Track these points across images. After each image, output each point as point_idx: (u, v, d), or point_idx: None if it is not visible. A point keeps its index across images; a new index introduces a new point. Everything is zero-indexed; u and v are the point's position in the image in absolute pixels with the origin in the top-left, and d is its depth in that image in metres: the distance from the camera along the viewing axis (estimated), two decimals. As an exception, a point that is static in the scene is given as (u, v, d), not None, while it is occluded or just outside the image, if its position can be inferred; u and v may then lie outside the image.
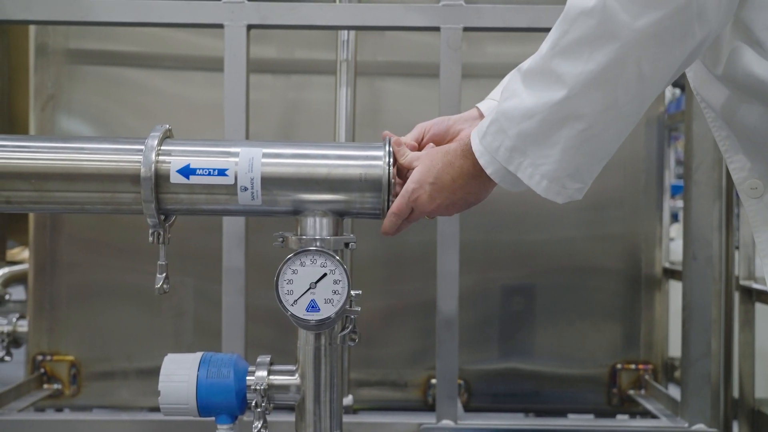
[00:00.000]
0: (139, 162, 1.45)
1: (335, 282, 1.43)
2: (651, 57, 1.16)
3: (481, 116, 1.58)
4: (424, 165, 1.41)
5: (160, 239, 1.51)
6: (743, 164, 1.35)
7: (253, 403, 1.50)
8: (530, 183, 1.26)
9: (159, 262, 1.51)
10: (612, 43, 1.15)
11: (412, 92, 2.56)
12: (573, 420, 2.60)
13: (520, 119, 1.24)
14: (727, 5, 1.15)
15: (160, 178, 1.46)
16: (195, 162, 1.46)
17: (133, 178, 1.46)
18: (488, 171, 1.31)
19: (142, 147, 1.47)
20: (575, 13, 1.18)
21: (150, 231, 1.49)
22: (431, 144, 1.54)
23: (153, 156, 1.44)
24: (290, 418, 1.62)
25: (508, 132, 1.26)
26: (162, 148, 1.48)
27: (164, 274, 1.52)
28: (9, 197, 1.47)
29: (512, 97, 1.26)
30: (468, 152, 1.34)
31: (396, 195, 1.46)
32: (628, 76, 1.17)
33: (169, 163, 1.46)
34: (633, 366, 2.62)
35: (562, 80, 1.19)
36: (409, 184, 1.41)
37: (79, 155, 1.48)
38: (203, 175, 1.46)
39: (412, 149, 1.52)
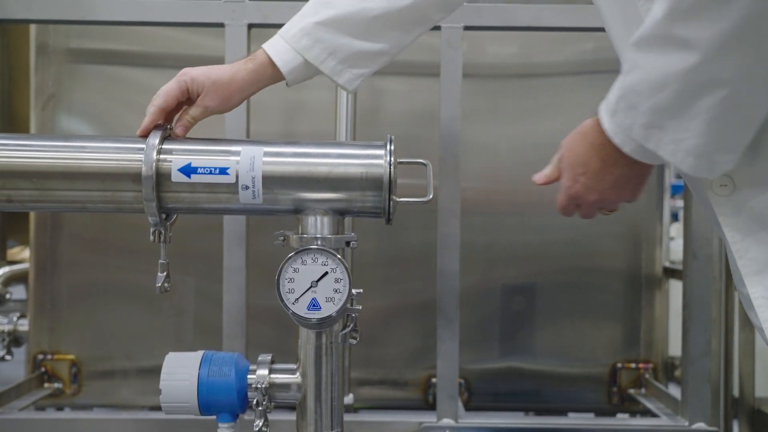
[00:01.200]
0: (140, 161, 1.45)
1: (336, 281, 1.43)
2: None
3: (264, 55, 1.54)
4: (569, 158, 1.29)
5: (161, 238, 1.51)
6: None
7: (255, 402, 1.50)
8: (674, 161, 1.14)
9: (160, 261, 1.51)
10: None
11: (412, 92, 2.56)
12: (573, 419, 2.60)
13: (650, 92, 1.12)
14: None
15: (161, 177, 1.46)
16: (196, 161, 1.47)
17: (134, 177, 1.46)
18: (626, 150, 1.19)
19: (143, 146, 1.47)
20: None
21: (151, 230, 1.50)
22: None
23: (154, 155, 1.45)
24: (291, 416, 1.62)
25: (640, 108, 1.14)
26: (163, 146, 1.48)
27: (165, 273, 1.52)
28: (10, 196, 1.48)
29: (633, 69, 1.14)
30: (599, 126, 1.22)
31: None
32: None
33: (171, 161, 1.47)
34: (633, 365, 2.63)
35: (691, 45, 1.06)
36: (564, 181, 1.31)
37: (80, 154, 1.48)
38: (204, 173, 1.46)
39: (183, 128, 1.51)
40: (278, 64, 1.54)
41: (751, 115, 1.12)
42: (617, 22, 1.32)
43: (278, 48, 1.55)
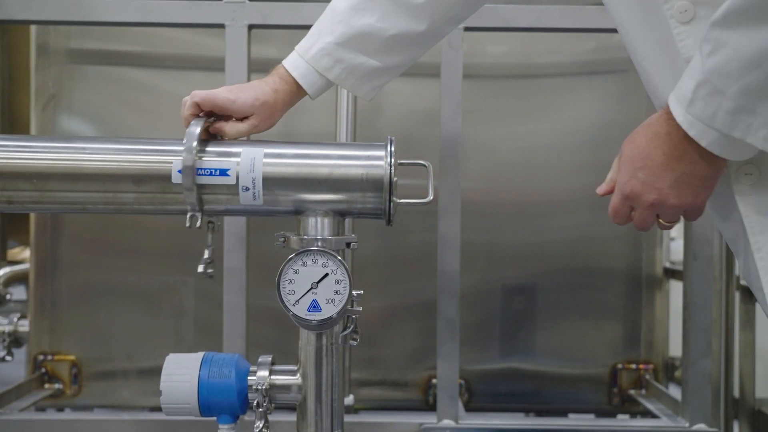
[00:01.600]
0: (141, 162, 1.46)
1: (337, 282, 1.43)
2: None
3: (289, 76, 1.58)
4: (627, 151, 1.19)
5: (211, 228, 1.53)
6: None
7: (255, 403, 1.50)
8: (766, 147, 1.06)
9: (207, 247, 1.53)
10: None
11: (413, 92, 2.56)
12: (574, 420, 2.60)
13: (741, 72, 1.03)
14: None
15: (160, 178, 1.46)
16: (197, 162, 1.47)
17: (134, 178, 1.46)
18: (703, 143, 1.09)
19: (144, 147, 1.48)
20: None
21: (188, 215, 1.48)
22: None
23: (195, 143, 1.44)
24: (291, 417, 1.62)
25: (727, 91, 1.05)
26: (163, 148, 1.48)
27: (209, 255, 1.52)
28: (10, 197, 1.48)
29: (718, 50, 1.05)
30: (670, 118, 1.12)
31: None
32: None
33: (171, 162, 1.46)
34: (633, 366, 2.63)
35: None
36: (620, 177, 1.21)
37: (81, 155, 1.48)
38: (205, 175, 1.46)
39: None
40: (304, 86, 1.59)
41: None
42: (635, 26, 1.28)
43: (302, 71, 1.59)
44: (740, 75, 1.04)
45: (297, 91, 1.60)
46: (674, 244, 3.44)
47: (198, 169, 1.46)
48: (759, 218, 1.17)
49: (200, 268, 1.52)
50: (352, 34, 1.58)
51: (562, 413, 2.67)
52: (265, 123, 1.58)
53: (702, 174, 1.14)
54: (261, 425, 1.50)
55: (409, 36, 1.60)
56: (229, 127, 1.55)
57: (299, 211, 1.50)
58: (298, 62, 1.60)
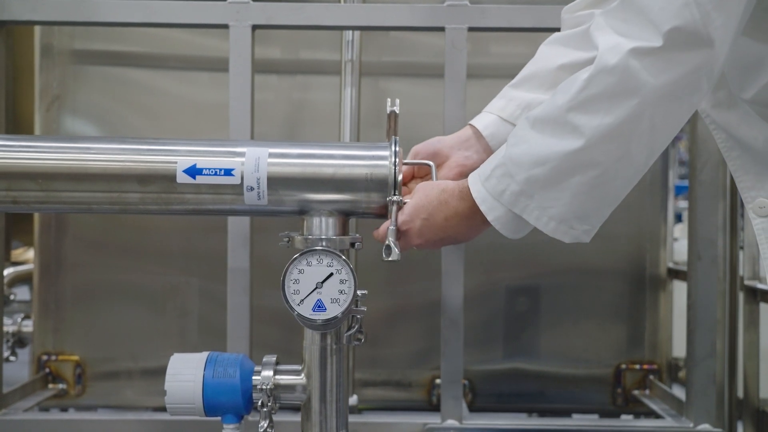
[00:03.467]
0: (145, 162, 1.46)
1: (341, 282, 1.43)
2: (664, 112, 1.24)
3: (477, 134, 1.59)
4: (419, 199, 1.43)
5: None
6: (753, 183, 1.38)
7: (260, 403, 1.50)
8: (537, 224, 1.32)
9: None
10: (631, 99, 1.21)
11: (417, 92, 2.56)
12: (577, 420, 2.60)
13: (530, 166, 1.29)
14: (725, 61, 1.23)
15: (165, 179, 1.46)
16: (201, 162, 1.47)
17: (139, 178, 1.47)
18: (489, 217, 1.36)
19: (149, 147, 1.48)
20: (597, 69, 1.23)
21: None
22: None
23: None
24: (296, 418, 1.62)
25: (516, 177, 1.30)
26: (168, 148, 1.49)
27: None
28: (16, 197, 1.48)
29: (521, 143, 1.31)
30: (466, 195, 1.37)
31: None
32: (643, 129, 1.23)
33: (176, 162, 1.47)
34: (637, 366, 2.62)
35: (579, 131, 1.24)
36: (401, 215, 1.43)
37: (86, 155, 1.48)
38: (209, 175, 1.46)
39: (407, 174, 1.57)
40: (478, 127, 1.61)
41: (610, 194, 1.31)
42: None
43: (480, 117, 1.63)
44: (529, 168, 1.29)
45: (481, 143, 1.60)
46: (678, 244, 3.44)
47: (202, 168, 1.46)
48: None
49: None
50: (525, 74, 1.62)
51: (566, 413, 2.66)
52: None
53: (458, 240, 1.46)
54: (266, 425, 1.50)
55: (575, 64, 1.59)
56: None
57: (304, 211, 1.50)
58: (481, 116, 1.63)
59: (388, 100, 1.59)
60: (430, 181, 1.48)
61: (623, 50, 1.20)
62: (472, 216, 1.38)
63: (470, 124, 1.62)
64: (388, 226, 1.44)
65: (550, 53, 1.61)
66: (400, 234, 1.44)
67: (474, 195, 1.36)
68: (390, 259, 1.42)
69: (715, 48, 1.19)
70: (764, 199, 1.37)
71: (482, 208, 1.35)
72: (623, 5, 1.23)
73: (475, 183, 1.37)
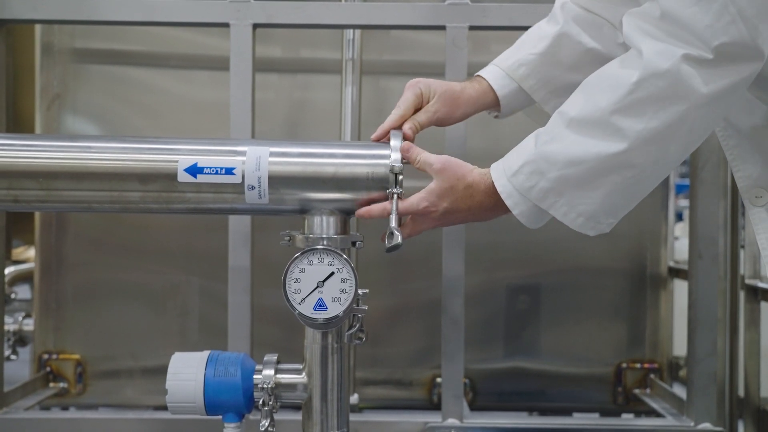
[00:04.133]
0: (146, 161, 1.46)
1: (343, 281, 1.43)
2: (705, 115, 1.25)
3: (489, 87, 1.59)
4: (443, 186, 1.42)
5: None
6: (750, 173, 1.39)
7: (261, 402, 1.50)
8: (564, 220, 1.33)
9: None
10: (679, 105, 1.22)
11: (417, 91, 2.55)
12: (578, 419, 2.60)
13: (563, 165, 1.29)
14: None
15: (165, 177, 1.46)
16: (202, 161, 1.47)
17: (140, 177, 1.47)
18: (515, 211, 1.36)
19: (151, 146, 1.48)
20: (647, 73, 1.22)
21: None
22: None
23: (399, 155, 1.48)
24: (297, 416, 1.62)
25: (547, 175, 1.30)
26: (168, 147, 1.49)
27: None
28: (17, 196, 1.48)
29: (554, 141, 1.30)
30: (491, 191, 1.38)
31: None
32: (683, 132, 1.25)
33: (177, 161, 1.47)
34: (638, 365, 2.62)
35: (622, 134, 1.24)
36: (424, 197, 1.42)
37: (87, 154, 1.48)
38: (210, 173, 1.46)
39: (411, 130, 1.53)
40: (494, 87, 1.60)
41: (642, 191, 1.32)
42: None
43: (495, 74, 1.61)
44: (562, 167, 1.29)
45: (486, 92, 1.60)
46: (679, 243, 3.44)
47: (203, 167, 1.46)
48: None
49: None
50: (551, 46, 1.59)
51: (567, 412, 2.66)
52: (447, 114, 1.56)
53: (469, 222, 1.47)
54: (267, 424, 1.50)
55: (602, 53, 1.60)
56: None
57: (305, 210, 1.50)
58: (492, 70, 1.62)
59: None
60: (453, 167, 1.43)
61: (675, 55, 1.20)
62: (495, 207, 1.39)
63: (479, 75, 1.62)
64: (387, 208, 1.43)
65: (572, 31, 1.59)
66: (418, 213, 1.43)
67: (499, 189, 1.36)
68: (393, 243, 1.40)
69: (764, 58, 1.20)
70: (761, 188, 1.37)
71: (508, 203, 1.36)
72: (664, 18, 1.22)
73: (500, 177, 1.37)
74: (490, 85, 1.59)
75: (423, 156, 1.46)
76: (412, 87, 1.56)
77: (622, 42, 1.60)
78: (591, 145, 1.26)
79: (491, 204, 1.39)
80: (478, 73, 1.63)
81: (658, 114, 1.22)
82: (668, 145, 1.25)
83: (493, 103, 1.62)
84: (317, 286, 1.43)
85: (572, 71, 1.60)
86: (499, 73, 1.60)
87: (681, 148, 1.27)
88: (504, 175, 1.36)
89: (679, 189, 5.01)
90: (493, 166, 1.40)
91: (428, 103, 1.56)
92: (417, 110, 1.55)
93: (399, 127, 1.53)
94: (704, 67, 1.19)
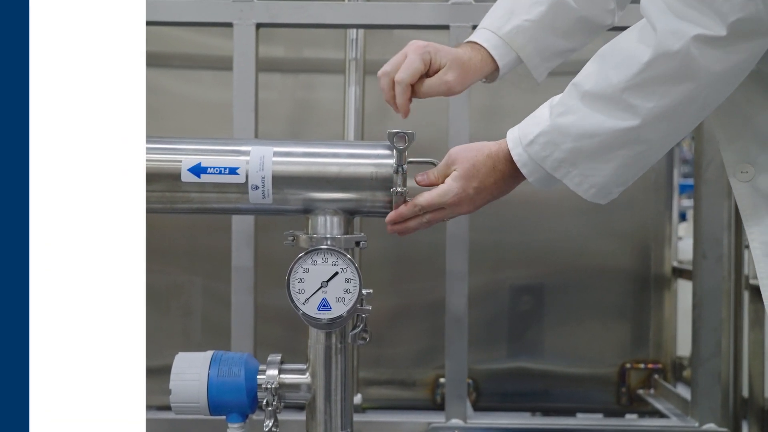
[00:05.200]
0: (151, 160, 1.46)
1: (347, 281, 1.43)
2: (716, 92, 1.27)
3: (489, 55, 1.57)
4: (466, 167, 1.43)
5: None
6: (739, 149, 1.39)
7: (264, 402, 1.50)
8: (577, 190, 1.36)
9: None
10: (690, 83, 1.23)
11: (420, 91, 2.55)
12: (582, 419, 2.60)
13: (577, 137, 1.31)
14: None
15: (170, 177, 1.46)
16: (206, 161, 1.47)
17: (146, 177, 1.46)
18: (530, 179, 1.39)
19: (153, 146, 1.48)
20: (658, 53, 1.23)
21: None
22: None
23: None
24: (301, 417, 1.62)
25: (561, 146, 1.33)
26: (172, 146, 1.49)
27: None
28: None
29: (569, 113, 1.32)
30: (510, 158, 1.39)
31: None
32: (694, 109, 1.27)
33: (180, 161, 1.46)
34: (642, 365, 2.62)
35: (634, 111, 1.27)
36: (453, 184, 1.43)
37: (90, 154, 1.48)
38: (214, 173, 1.46)
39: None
40: (495, 56, 1.58)
41: (650, 161, 1.36)
42: None
43: (492, 42, 1.59)
44: (576, 139, 1.31)
45: (488, 62, 1.58)
46: (683, 243, 3.43)
47: (207, 167, 1.46)
48: (752, 211, 1.36)
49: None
50: (546, 12, 1.58)
51: (571, 413, 2.66)
52: (457, 83, 1.54)
53: (498, 197, 1.46)
54: (270, 424, 1.49)
55: (593, 22, 1.62)
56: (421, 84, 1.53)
57: (308, 210, 1.50)
58: (489, 37, 1.59)
59: None
60: (466, 148, 1.46)
61: (686, 36, 1.20)
62: (516, 176, 1.41)
63: (473, 41, 1.59)
64: (417, 203, 1.45)
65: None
66: (448, 202, 1.44)
67: (515, 158, 1.38)
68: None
69: None
70: (747, 163, 1.38)
71: (523, 171, 1.38)
72: None
73: (516, 147, 1.38)
74: (489, 54, 1.58)
75: (436, 168, 1.49)
76: (419, 52, 1.51)
77: (612, 8, 1.63)
78: (603, 120, 1.29)
79: (514, 171, 1.40)
80: (472, 40, 1.60)
81: (669, 93, 1.24)
82: (679, 121, 1.28)
83: (491, 71, 1.60)
84: (321, 286, 1.43)
85: (564, 38, 1.62)
86: (497, 41, 1.58)
87: (692, 121, 1.30)
88: (520, 144, 1.38)
89: (683, 189, 5.00)
90: (509, 133, 1.41)
91: (437, 70, 1.53)
92: (421, 77, 1.53)
93: (410, 99, 1.53)
94: (716, 46, 1.20)
